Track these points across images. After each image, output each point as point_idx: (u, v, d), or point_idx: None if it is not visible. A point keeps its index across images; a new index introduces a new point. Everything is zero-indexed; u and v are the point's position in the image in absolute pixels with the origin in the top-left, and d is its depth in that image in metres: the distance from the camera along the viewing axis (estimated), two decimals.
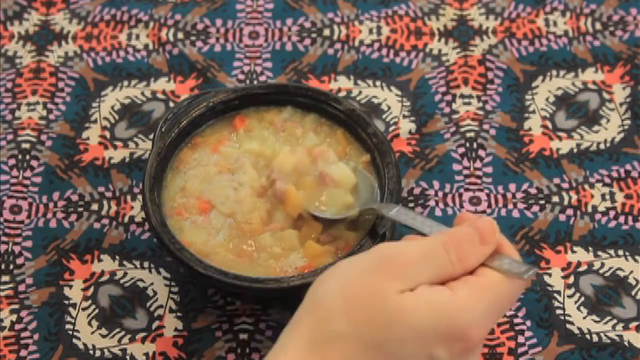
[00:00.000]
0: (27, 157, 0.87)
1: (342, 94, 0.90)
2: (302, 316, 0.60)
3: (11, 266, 0.81)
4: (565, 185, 0.85)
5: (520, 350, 0.76)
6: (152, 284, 0.80)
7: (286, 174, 0.78)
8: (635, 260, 0.81)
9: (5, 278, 0.80)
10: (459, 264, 0.60)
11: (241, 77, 0.92)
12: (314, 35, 0.95)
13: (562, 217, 0.83)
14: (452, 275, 0.60)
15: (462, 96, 0.90)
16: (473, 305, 0.58)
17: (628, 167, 0.86)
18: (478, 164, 0.86)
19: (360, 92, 0.91)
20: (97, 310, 0.78)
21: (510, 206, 0.84)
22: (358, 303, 0.58)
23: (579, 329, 0.77)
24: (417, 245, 0.60)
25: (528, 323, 0.78)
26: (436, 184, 0.85)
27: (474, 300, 0.58)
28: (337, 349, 0.58)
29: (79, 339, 0.77)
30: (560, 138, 0.88)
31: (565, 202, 0.84)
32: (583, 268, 0.81)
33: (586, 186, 0.85)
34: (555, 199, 0.84)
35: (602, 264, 0.81)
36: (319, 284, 0.60)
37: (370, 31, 0.95)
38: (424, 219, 0.68)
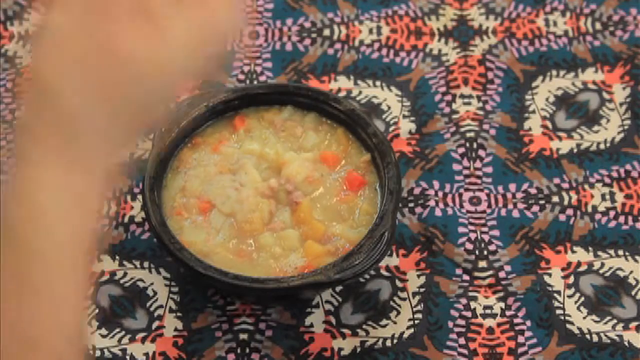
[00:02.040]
0: None
1: (342, 94, 0.90)
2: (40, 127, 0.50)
3: None
4: (565, 185, 0.85)
5: (520, 350, 0.76)
6: (152, 284, 0.80)
7: (297, 183, 0.78)
8: (635, 260, 0.81)
9: None
10: None
11: (241, 77, 0.92)
12: (314, 35, 0.95)
13: (562, 217, 0.83)
14: None
15: (462, 96, 0.90)
16: None
17: (628, 167, 0.86)
18: (478, 164, 0.86)
19: (360, 92, 0.91)
20: (97, 310, 0.78)
21: (510, 206, 0.84)
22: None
23: (579, 329, 0.77)
24: None
25: (528, 323, 0.78)
26: (436, 184, 0.85)
27: None
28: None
29: None
30: (560, 138, 0.88)
31: (565, 202, 0.84)
32: (583, 268, 0.80)
33: (586, 186, 0.85)
34: (555, 199, 0.84)
35: (602, 264, 0.81)
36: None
37: (370, 31, 0.95)
38: None
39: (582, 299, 0.79)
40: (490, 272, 0.80)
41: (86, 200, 0.51)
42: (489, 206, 0.84)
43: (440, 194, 0.84)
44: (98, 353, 0.76)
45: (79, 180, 0.50)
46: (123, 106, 0.51)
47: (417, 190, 0.85)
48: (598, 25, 0.95)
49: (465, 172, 0.86)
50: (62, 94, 0.49)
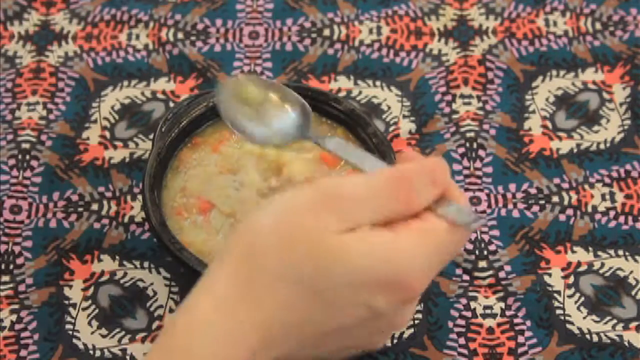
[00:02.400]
0: (27, 157, 0.87)
1: (342, 94, 0.90)
2: (232, 249, 0.55)
3: (11, 266, 0.81)
4: (565, 185, 0.85)
5: (520, 350, 0.76)
6: (152, 284, 0.80)
7: (298, 183, 0.78)
8: (635, 260, 0.81)
9: (5, 278, 0.80)
10: (404, 205, 0.55)
11: None
12: (314, 35, 0.95)
13: (562, 217, 0.83)
14: (396, 217, 0.55)
15: (462, 96, 0.90)
16: (416, 251, 0.55)
17: (628, 167, 0.86)
18: (478, 164, 0.86)
19: (360, 92, 0.91)
20: (97, 310, 0.78)
21: (510, 206, 0.84)
22: (293, 242, 0.54)
23: (579, 329, 0.77)
24: (360, 181, 0.55)
25: (528, 323, 0.78)
26: None
27: (418, 246, 0.55)
28: (265, 288, 0.54)
29: (79, 339, 0.77)
30: (560, 138, 0.88)
31: (565, 202, 0.84)
32: (583, 268, 0.81)
33: (586, 186, 0.85)
34: (555, 199, 0.84)
35: (602, 264, 0.81)
36: (253, 216, 0.56)
37: (370, 31, 0.95)
38: (365, 154, 0.62)
39: (582, 299, 0.79)
40: (490, 272, 0.80)
41: (233, 341, 0.55)
42: (489, 206, 0.84)
43: None
44: (98, 353, 0.76)
45: (237, 322, 0.55)
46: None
47: None
48: (598, 25, 0.95)
49: (465, 172, 0.86)
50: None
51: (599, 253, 0.81)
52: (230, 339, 0.55)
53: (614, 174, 0.85)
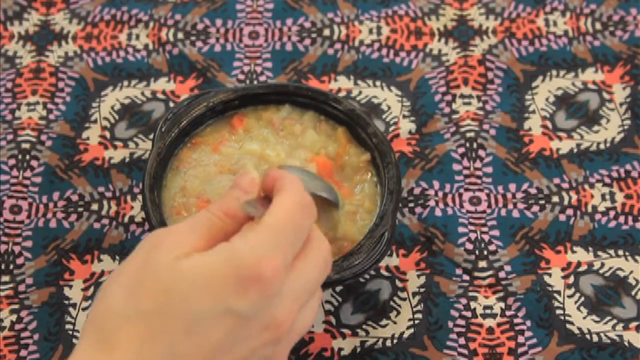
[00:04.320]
0: (27, 157, 0.87)
1: (342, 94, 0.90)
2: (87, 319, 0.58)
3: (11, 266, 0.81)
4: (565, 185, 0.85)
5: (520, 350, 0.76)
6: None
7: None
8: (635, 260, 0.81)
9: (5, 278, 0.80)
10: (228, 218, 0.58)
11: (241, 77, 0.92)
12: (314, 35, 0.95)
13: (562, 217, 0.83)
14: (227, 232, 0.58)
15: (462, 96, 0.90)
16: (255, 243, 0.56)
17: (628, 167, 0.86)
18: (478, 164, 0.86)
19: (360, 92, 0.91)
20: None
21: (510, 206, 0.84)
22: (132, 283, 0.56)
23: (579, 329, 0.77)
24: (184, 221, 0.59)
25: (528, 323, 0.78)
26: (436, 184, 0.85)
27: (254, 239, 0.56)
28: (124, 335, 0.55)
29: (78, 339, 0.77)
30: (560, 138, 0.88)
31: (565, 202, 0.84)
32: (583, 268, 0.81)
33: (586, 186, 0.85)
34: (555, 199, 0.84)
35: (602, 264, 0.81)
36: (102, 286, 0.58)
37: (370, 31, 0.95)
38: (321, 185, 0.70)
39: (582, 299, 0.79)
40: (490, 272, 0.80)
41: None
42: (489, 206, 0.84)
43: (440, 194, 0.84)
44: None
45: None
46: None
47: (417, 190, 0.85)
48: (598, 25, 0.95)
49: (465, 172, 0.86)
50: None
51: (599, 253, 0.81)
52: None
53: (614, 174, 0.85)
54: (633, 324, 0.77)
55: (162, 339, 0.55)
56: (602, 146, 0.87)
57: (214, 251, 0.56)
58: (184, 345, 0.55)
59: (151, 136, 0.87)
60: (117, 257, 0.81)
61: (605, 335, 0.77)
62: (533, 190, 0.85)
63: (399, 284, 0.80)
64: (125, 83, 0.91)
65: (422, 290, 0.79)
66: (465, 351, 0.76)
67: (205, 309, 0.55)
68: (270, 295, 0.56)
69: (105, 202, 0.84)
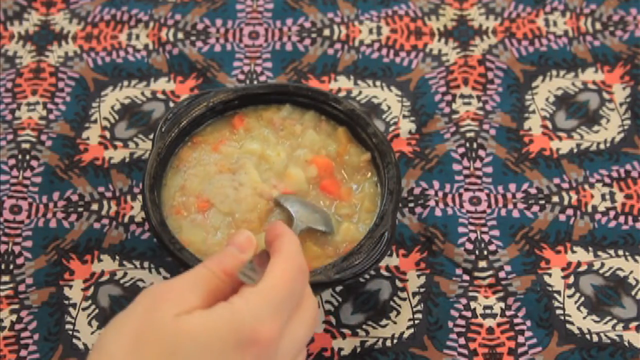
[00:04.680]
0: (27, 157, 0.87)
1: (342, 94, 0.90)
2: None
3: (11, 266, 0.81)
4: (565, 185, 0.85)
5: (520, 350, 0.76)
6: (152, 284, 0.80)
7: (298, 191, 0.78)
8: (635, 260, 0.81)
9: (5, 278, 0.80)
10: (225, 276, 0.60)
11: (241, 77, 0.92)
12: (314, 35, 0.95)
13: (562, 217, 0.83)
14: (225, 290, 0.60)
15: (462, 96, 0.90)
16: (254, 306, 0.58)
17: (628, 167, 0.86)
18: (478, 164, 0.86)
19: (360, 92, 0.91)
20: (97, 310, 0.78)
21: (510, 206, 0.84)
22: (137, 338, 0.57)
23: (579, 329, 0.77)
24: (184, 275, 0.60)
25: (528, 323, 0.78)
26: (436, 184, 0.85)
27: (253, 302, 0.58)
28: None
29: (79, 339, 0.77)
30: (560, 138, 0.88)
31: (565, 202, 0.84)
32: (583, 268, 0.81)
33: (586, 186, 0.85)
34: (555, 199, 0.84)
35: (602, 264, 0.81)
36: (100, 338, 0.59)
37: (370, 31, 0.95)
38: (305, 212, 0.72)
39: (582, 299, 0.79)
40: (490, 272, 0.80)
41: None
42: (489, 206, 0.84)
43: (440, 194, 0.84)
44: None
45: None
46: None
47: (417, 190, 0.85)
48: (598, 25, 0.95)
49: (465, 172, 0.86)
50: None
51: (599, 253, 0.81)
52: None
53: (614, 174, 0.85)
54: (633, 324, 0.77)
55: None
56: (602, 146, 0.87)
57: (215, 312, 0.58)
58: None
59: (151, 136, 0.87)
60: (117, 257, 0.81)
61: (605, 335, 0.77)
62: (533, 190, 0.85)
63: (399, 284, 0.80)
64: (125, 83, 0.91)
65: (422, 290, 0.79)
66: (465, 351, 0.76)
67: None
68: (266, 357, 0.58)
69: (105, 202, 0.84)
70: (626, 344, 0.76)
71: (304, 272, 0.62)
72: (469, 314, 0.78)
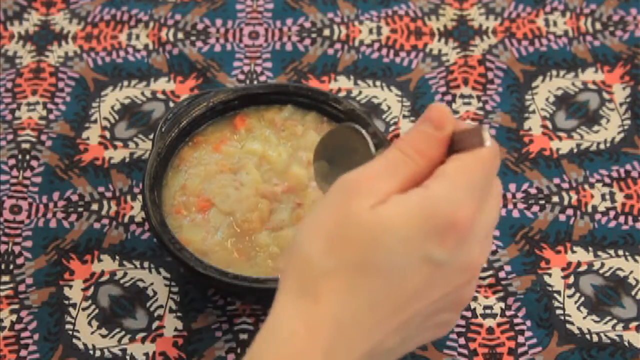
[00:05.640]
0: (27, 157, 0.87)
1: (342, 94, 0.90)
2: (285, 271, 0.57)
3: (11, 266, 0.81)
4: (565, 185, 0.85)
5: (520, 350, 0.76)
6: (152, 284, 0.80)
7: (300, 192, 0.78)
8: (635, 260, 0.81)
9: (5, 278, 0.80)
10: (421, 159, 0.57)
11: (241, 77, 0.92)
12: (314, 35, 0.95)
13: (562, 217, 0.83)
14: (420, 174, 0.57)
15: (462, 96, 0.90)
16: (450, 190, 0.55)
17: (628, 167, 0.86)
18: None
19: (360, 92, 0.91)
20: (97, 310, 0.78)
21: (510, 206, 0.84)
22: (333, 235, 0.55)
23: (579, 329, 0.77)
24: (375, 161, 0.57)
25: (528, 323, 0.78)
26: None
27: (449, 186, 0.55)
28: (327, 287, 0.55)
29: (79, 339, 0.77)
30: (560, 138, 0.88)
31: (565, 202, 0.84)
32: (583, 268, 0.81)
33: (586, 186, 0.85)
34: (555, 199, 0.84)
35: (602, 264, 0.81)
36: (293, 239, 0.57)
37: (370, 31, 0.95)
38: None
39: (582, 299, 0.79)
40: (490, 272, 0.80)
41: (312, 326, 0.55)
42: None
43: None
44: (98, 353, 0.76)
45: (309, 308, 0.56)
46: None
47: None
48: (598, 25, 0.95)
49: None
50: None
51: (599, 253, 0.81)
52: (297, 339, 0.55)
53: (614, 174, 0.85)
54: (633, 324, 0.77)
55: (363, 290, 0.55)
56: (602, 146, 0.87)
57: (410, 199, 0.55)
58: (383, 295, 0.55)
59: (151, 136, 0.87)
60: (117, 257, 0.81)
61: (605, 335, 0.77)
62: (533, 190, 0.85)
63: None
64: (125, 83, 0.91)
65: None
66: (465, 351, 0.76)
67: (405, 259, 0.55)
68: (466, 242, 0.55)
69: (105, 202, 0.84)
70: (626, 344, 0.76)
71: (498, 155, 0.58)
72: (469, 314, 0.78)
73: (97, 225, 0.83)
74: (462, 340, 0.77)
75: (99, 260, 0.81)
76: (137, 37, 0.95)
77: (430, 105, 0.59)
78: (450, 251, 0.55)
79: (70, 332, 0.77)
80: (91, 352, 0.76)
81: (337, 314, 0.55)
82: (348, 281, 0.55)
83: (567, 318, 0.78)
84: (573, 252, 0.81)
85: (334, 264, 0.55)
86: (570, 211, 0.83)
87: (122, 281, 0.80)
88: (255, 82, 0.91)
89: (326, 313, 0.55)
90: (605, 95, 0.90)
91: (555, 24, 0.95)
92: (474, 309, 0.78)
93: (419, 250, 0.55)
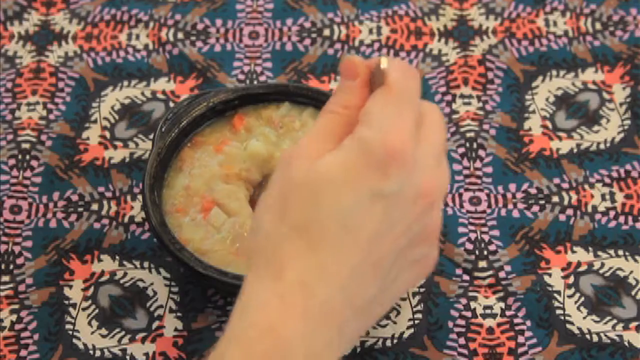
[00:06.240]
0: (27, 157, 0.87)
1: None
2: (250, 252, 0.58)
3: (11, 266, 0.81)
4: (565, 185, 0.85)
5: (520, 350, 0.76)
6: (152, 284, 0.80)
7: None
8: (635, 260, 0.81)
9: (5, 278, 0.80)
10: (347, 110, 0.58)
11: (241, 77, 0.92)
12: (314, 35, 0.95)
13: (562, 217, 0.83)
14: (352, 125, 0.57)
15: (462, 96, 0.90)
16: (375, 126, 0.55)
17: (628, 167, 0.86)
18: (478, 164, 0.86)
19: None
20: (97, 310, 0.78)
21: (510, 206, 0.84)
22: (279, 202, 0.56)
23: (579, 329, 0.77)
24: (309, 129, 0.59)
25: (528, 323, 0.78)
26: None
27: (374, 122, 0.55)
28: (287, 253, 0.55)
29: (79, 339, 0.77)
30: (560, 138, 0.88)
31: (565, 202, 0.84)
32: (583, 268, 0.81)
33: (586, 186, 0.85)
34: (555, 199, 0.84)
35: (602, 264, 0.81)
36: (253, 220, 0.58)
37: (370, 31, 0.95)
38: None
39: (582, 299, 0.79)
40: (490, 272, 0.80)
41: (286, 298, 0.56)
42: (489, 206, 0.84)
43: None
44: (98, 353, 0.76)
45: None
46: None
47: None
48: (598, 25, 0.95)
49: (465, 172, 0.86)
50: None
51: (599, 253, 0.81)
52: (271, 310, 0.55)
53: (614, 174, 0.85)
54: (633, 324, 0.77)
55: (322, 245, 0.55)
56: (602, 146, 0.87)
57: (343, 146, 0.56)
58: (343, 243, 0.55)
59: (151, 136, 0.87)
60: (117, 257, 0.81)
61: (605, 335, 0.77)
62: (533, 190, 0.85)
63: None
64: (125, 83, 0.91)
65: (422, 290, 0.79)
66: (465, 351, 0.76)
67: (353, 202, 0.55)
68: (408, 166, 0.55)
69: (105, 202, 0.84)
70: (626, 344, 0.76)
71: (412, 69, 0.58)
72: (469, 314, 0.78)
73: (97, 225, 0.83)
74: (462, 340, 0.77)
75: (99, 260, 0.81)
76: (137, 37, 0.95)
77: (342, 58, 0.61)
78: (396, 181, 0.55)
79: (70, 332, 0.77)
80: (91, 352, 0.76)
81: (303, 275, 0.55)
82: (304, 241, 0.55)
83: (567, 318, 0.78)
84: (573, 252, 0.81)
85: (286, 229, 0.55)
86: (570, 211, 0.83)
87: (122, 281, 0.80)
88: (255, 82, 0.91)
89: (293, 278, 0.55)
90: (605, 95, 0.90)
91: (555, 24, 0.95)
92: (474, 309, 0.78)
93: (365, 190, 0.55)
